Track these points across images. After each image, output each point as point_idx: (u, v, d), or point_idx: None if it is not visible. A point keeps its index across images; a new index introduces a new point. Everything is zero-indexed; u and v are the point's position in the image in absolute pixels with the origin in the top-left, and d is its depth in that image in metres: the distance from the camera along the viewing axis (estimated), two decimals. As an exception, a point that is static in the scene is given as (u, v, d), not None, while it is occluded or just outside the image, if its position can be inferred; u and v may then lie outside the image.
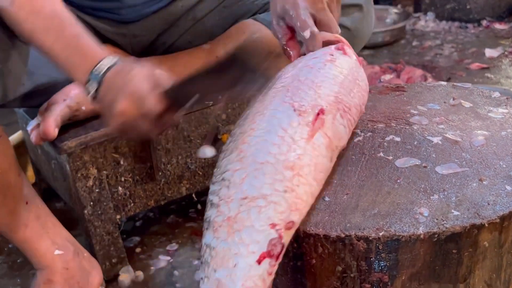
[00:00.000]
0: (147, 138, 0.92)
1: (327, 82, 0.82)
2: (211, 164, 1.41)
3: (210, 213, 0.70)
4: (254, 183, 0.69)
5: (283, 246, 0.67)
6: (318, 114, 0.76)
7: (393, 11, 2.80)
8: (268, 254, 0.66)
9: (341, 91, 0.83)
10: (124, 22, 1.29)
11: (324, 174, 0.76)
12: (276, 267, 0.67)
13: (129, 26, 1.29)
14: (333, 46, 0.91)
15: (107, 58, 0.90)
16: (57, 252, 1.20)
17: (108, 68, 0.89)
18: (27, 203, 1.13)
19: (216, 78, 0.83)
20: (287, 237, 0.68)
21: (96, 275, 1.28)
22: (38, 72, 1.17)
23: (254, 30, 1.13)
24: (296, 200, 0.70)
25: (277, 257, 0.67)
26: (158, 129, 0.90)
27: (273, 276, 0.67)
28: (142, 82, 0.87)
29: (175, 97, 0.86)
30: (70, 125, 1.24)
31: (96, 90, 0.89)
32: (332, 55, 0.88)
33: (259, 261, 0.65)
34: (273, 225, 0.67)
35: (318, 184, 0.75)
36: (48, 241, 1.19)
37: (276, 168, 0.70)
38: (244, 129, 0.76)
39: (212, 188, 0.73)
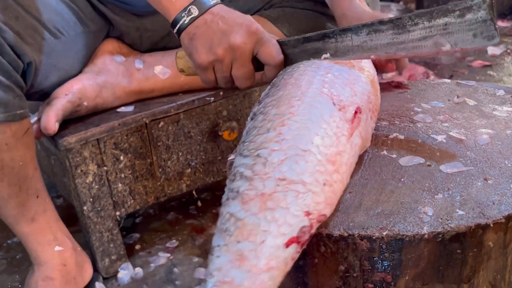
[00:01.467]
0: (224, 85, 0.92)
1: (360, 81, 0.82)
2: (211, 161, 1.40)
3: (239, 184, 0.69)
4: (295, 168, 0.68)
5: (310, 236, 0.67)
6: (356, 112, 0.76)
7: (395, 8, 2.79)
8: (297, 240, 0.65)
9: (372, 91, 0.83)
10: (138, 15, 1.28)
11: (351, 174, 0.76)
12: (299, 255, 0.66)
13: (143, 19, 1.28)
14: None
15: None
16: (57, 248, 1.20)
17: (217, 3, 0.89)
18: (38, 197, 1.14)
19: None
20: (315, 229, 0.67)
21: (87, 269, 1.28)
22: (58, 67, 1.17)
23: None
24: (331, 195, 0.69)
25: (303, 245, 0.66)
26: (247, 81, 0.89)
27: (293, 262, 0.66)
28: (261, 27, 0.87)
29: (289, 52, 0.88)
30: (70, 120, 1.23)
31: (196, 17, 0.87)
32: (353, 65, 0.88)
33: (287, 244, 0.64)
34: (308, 213, 0.66)
35: (346, 184, 0.75)
36: (51, 236, 1.19)
37: (318, 159, 0.70)
38: (280, 110, 0.76)
39: (243, 160, 0.72)
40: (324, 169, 0.69)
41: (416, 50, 0.79)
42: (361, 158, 0.82)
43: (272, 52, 0.87)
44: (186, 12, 0.89)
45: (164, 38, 1.33)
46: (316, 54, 0.87)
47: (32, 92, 1.15)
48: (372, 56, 0.84)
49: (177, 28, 0.91)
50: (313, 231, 0.67)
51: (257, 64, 0.90)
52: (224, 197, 0.70)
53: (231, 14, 0.89)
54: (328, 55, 0.86)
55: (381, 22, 0.80)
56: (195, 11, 0.89)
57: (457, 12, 0.74)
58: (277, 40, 0.90)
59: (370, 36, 0.82)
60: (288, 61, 0.89)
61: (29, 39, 1.08)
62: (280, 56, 0.88)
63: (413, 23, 0.77)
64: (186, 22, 0.89)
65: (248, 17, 0.90)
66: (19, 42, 1.04)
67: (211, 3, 0.90)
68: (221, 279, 0.63)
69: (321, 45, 0.87)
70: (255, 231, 0.64)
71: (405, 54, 0.81)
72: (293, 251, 0.65)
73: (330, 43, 0.86)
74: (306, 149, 0.70)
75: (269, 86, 0.84)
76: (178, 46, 1.34)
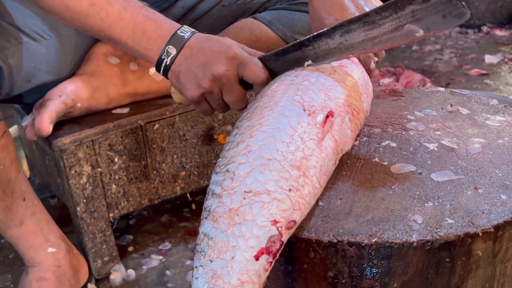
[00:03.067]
0: (221, 111, 0.93)
1: (338, 86, 0.82)
2: (206, 164, 1.40)
3: (210, 202, 0.70)
4: (259, 178, 0.68)
5: (281, 244, 0.67)
6: (327, 116, 0.76)
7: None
8: (266, 251, 0.65)
9: (352, 94, 0.82)
10: None
11: (327, 177, 0.76)
12: (272, 265, 0.66)
13: None
14: None
15: (184, 27, 0.90)
16: (50, 249, 1.20)
17: (192, 33, 0.89)
18: (24, 199, 1.13)
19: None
20: (286, 236, 0.67)
21: (83, 272, 1.28)
22: (43, 69, 1.17)
23: (254, 29, 1.13)
24: (299, 200, 0.69)
25: (275, 255, 0.66)
26: (240, 104, 0.90)
27: (268, 273, 0.66)
28: (239, 48, 0.87)
29: (272, 67, 0.88)
30: (65, 121, 1.23)
31: (175, 56, 0.88)
32: (340, 61, 0.88)
33: (256, 257, 0.64)
34: (275, 222, 0.66)
35: (321, 187, 0.74)
36: (42, 238, 1.18)
37: (283, 165, 0.69)
38: (252, 122, 0.76)
39: (215, 177, 0.72)
40: (288, 175, 0.69)
41: (391, 41, 0.79)
42: (352, 165, 0.82)
43: (255, 71, 0.87)
44: (165, 53, 0.90)
45: None
46: (298, 63, 0.88)
47: (15, 96, 1.15)
48: (352, 55, 0.85)
49: (161, 70, 0.92)
50: (284, 238, 0.67)
51: (246, 84, 0.90)
52: (201, 217, 0.71)
53: (208, 43, 0.89)
54: (310, 62, 0.87)
55: (350, 21, 0.80)
56: (173, 51, 0.89)
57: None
58: (259, 56, 0.90)
59: (344, 37, 0.82)
60: (274, 74, 0.90)
61: (2, 43, 1.07)
62: (264, 74, 0.88)
63: (381, 17, 0.77)
64: (168, 63, 0.90)
65: (225, 41, 0.89)
66: None
67: (186, 36, 0.90)
68: None
69: (300, 54, 0.87)
70: (225, 248, 0.65)
71: (382, 47, 0.81)
72: (264, 262, 0.65)
73: (308, 51, 0.86)
74: (271, 158, 0.70)
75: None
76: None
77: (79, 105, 1.22)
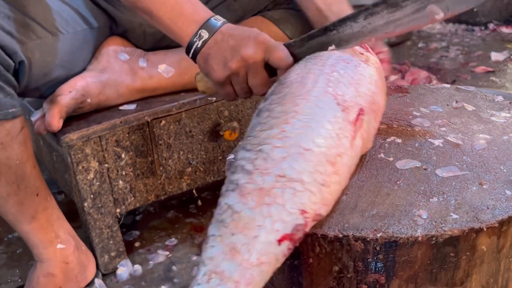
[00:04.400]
0: (243, 96, 0.98)
1: (365, 81, 0.82)
2: (212, 160, 1.41)
3: (239, 176, 0.70)
4: (295, 166, 0.69)
5: (304, 234, 0.67)
6: (359, 114, 0.77)
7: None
8: (290, 237, 0.66)
9: (376, 91, 0.83)
10: None
11: (350, 176, 0.77)
12: (291, 252, 0.67)
13: None
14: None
15: (218, 16, 0.96)
16: (59, 246, 1.21)
17: (224, 22, 0.95)
18: (37, 195, 1.14)
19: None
20: (310, 227, 0.68)
21: (91, 269, 1.29)
22: (58, 64, 1.18)
23: (263, 27, 1.14)
24: (328, 196, 0.70)
25: (296, 243, 0.67)
26: (263, 88, 0.93)
27: (284, 258, 0.67)
28: (268, 36, 0.92)
29: (297, 52, 0.92)
30: (72, 117, 1.24)
31: (207, 39, 0.94)
32: (362, 54, 0.89)
33: (280, 241, 0.65)
34: (304, 212, 0.67)
35: (345, 186, 0.75)
36: (52, 234, 1.19)
37: (319, 159, 0.70)
38: (285, 108, 0.76)
39: (244, 154, 0.73)
40: (323, 170, 0.70)
41: (412, 23, 0.83)
42: (359, 160, 0.83)
43: (282, 56, 0.91)
44: (198, 36, 0.95)
45: (166, 36, 1.34)
46: (321, 48, 0.91)
47: (31, 89, 1.16)
48: (373, 39, 0.87)
49: (191, 52, 0.96)
50: (308, 229, 0.68)
51: (270, 70, 0.93)
52: (224, 188, 0.71)
53: (238, 30, 0.94)
54: (333, 46, 0.89)
55: (375, 4, 0.84)
56: (205, 34, 0.95)
57: None
58: (284, 43, 0.93)
59: (368, 20, 0.85)
60: (298, 60, 0.92)
61: (21, 38, 1.09)
62: (290, 59, 0.91)
63: None
64: (199, 46, 0.95)
65: (254, 29, 0.94)
66: (9, 42, 1.05)
67: (219, 23, 0.95)
68: (213, 269, 0.64)
69: (324, 39, 0.90)
70: (250, 225, 0.65)
71: (403, 29, 0.85)
72: (285, 248, 0.65)
73: (332, 35, 0.89)
74: (308, 148, 0.71)
75: (275, 84, 0.86)
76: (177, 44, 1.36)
77: (89, 100, 1.23)
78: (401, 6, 0.81)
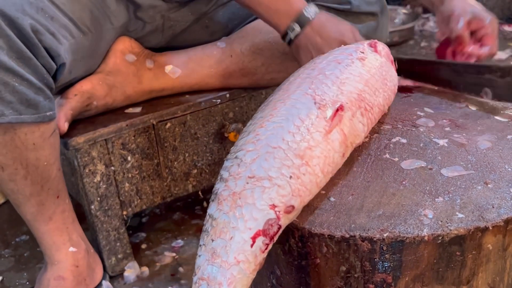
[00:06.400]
0: None
1: (352, 79, 0.84)
2: (217, 162, 1.41)
3: (218, 186, 0.73)
4: (263, 165, 0.71)
5: (279, 228, 0.70)
6: (337, 110, 0.78)
7: (402, 12, 2.79)
8: (263, 233, 0.68)
9: (365, 89, 0.84)
10: (166, 1, 1.30)
11: (333, 168, 0.78)
12: (270, 246, 0.69)
13: (170, 6, 1.30)
14: (365, 42, 0.93)
15: (310, 6, 1.07)
16: (71, 249, 1.22)
17: (315, 14, 1.06)
18: (58, 197, 1.16)
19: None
20: (285, 220, 0.70)
21: (98, 272, 1.30)
22: (82, 62, 1.18)
23: (270, 30, 1.15)
24: (300, 187, 0.72)
25: (272, 237, 0.69)
26: None
27: (264, 254, 0.69)
28: (351, 36, 1.04)
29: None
30: (79, 120, 1.25)
31: (298, 33, 1.07)
32: (362, 52, 0.89)
33: (253, 238, 0.68)
34: (273, 206, 0.69)
35: (325, 177, 0.76)
36: (66, 236, 1.20)
37: (286, 154, 0.72)
38: (264, 114, 0.79)
39: (225, 164, 0.76)
40: (291, 163, 0.72)
41: (468, 90, 0.98)
42: (363, 161, 0.84)
43: None
44: (291, 29, 1.08)
45: (185, 31, 1.35)
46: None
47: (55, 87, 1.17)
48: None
49: (286, 42, 1.10)
50: (282, 222, 0.69)
51: None
52: (210, 199, 0.75)
53: (327, 27, 1.05)
54: None
55: (441, 63, 1.03)
56: (297, 28, 1.07)
57: (499, 73, 0.91)
58: None
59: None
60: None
61: (62, 39, 1.08)
62: None
63: (465, 69, 0.99)
64: (291, 37, 1.08)
65: (342, 28, 1.05)
66: (54, 44, 1.04)
67: (311, 17, 1.06)
68: (200, 276, 0.68)
69: None
70: (226, 228, 0.68)
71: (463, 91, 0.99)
72: (260, 244, 0.68)
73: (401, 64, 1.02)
74: (276, 146, 0.73)
75: None
76: (194, 44, 1.36)
77: (95, 103, 1.24)
78: (463, 75, 0.96)
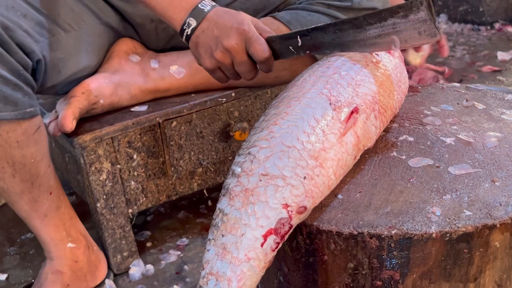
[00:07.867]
0: (234, 79, 1.03)
1: (367, 82, 0.84)
2: (223, 160, 1.42)
3: (229, 181, 0.74)
4: (277, 163, 0.71)
5: (290, 228, 0.70)
6: (352, 112, 0.78)
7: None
8: (275, 231, 0.69)
9: (380, 91, 0.84)
10: None
11: (344, 171, 0.78)
12: (280, 245, 0.70)
13: None
14: None
15: (205, 0, 1.00)
16: (69, 245, 1.22)
17: (212, 7, 0.99)
18: (51, 193, 1.16)
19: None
20: (296, 220, 0.71)
21: (102, 269, 1.30)
22: (72, 60, 1.19)
23: (273, 29, 1.15)
24: (313, 188, 0.72)
25: (283, 237, 0.70)
26: (250, 74, 0.99)
27: (275, 253, 0.70)
28: (251, 25, 0.96)
29: (277, 48, 0.96)
30: (85, 119, 1.26)
31: (195, 28, 0.98)
32: (377, 54, 0.90)
33: (265, 236, 0.68)
34: (286, 206, 0.69)
35: (337, 179, 0.77)
36: (63, 232, 1.21)
37: (301, 154, 0.72)
38: (278, 111, 0.79)
39: (237, 159, 0.76)
40: (305, 164, 0.72)
41: (373, 47, 0.86)
42: (371, 159, 0.84)
43: (258, 49, 0.94)
44: (187, 25, 0.99)
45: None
46: (296, 49, 0.95)
47: (46, 88, 1.18)
48: (343, 52, 0.90)
49: (184, 38, 1.01)
50: (293, 222, 0.70)
51: None
52: (220, 194, 0.75)
53: (224, 17, 0.97)
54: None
55: (343, 21, 0.88)
56: (193, 23, 0.99)
57: (401, 13, 0.81)
58: (268, 37, 0.96)
59: (336, 34, 0.89)
60: (277, 55, 0.97)
61: (37, 36, 1.10)
62: (267, 53, 0.95)
63: (367, 22, 0.85)
64: (188, 33, 1.00)
65: (239, 17, 0.97)
66: (27, 40, 1.06)
67: (206, 9, 0.98)
68: (209, 271, 0.68)
69: (299, 42, 0.94)
70: (237, 224, 0.69)
71: (369, 50, 0.88)
72: (272, 242, 0.69)
73: (307, 40, 0.93)
74: (291, 145, 0.73)
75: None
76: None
77: (101, 101, 1.24)
78: (365, 28, 0.85)
